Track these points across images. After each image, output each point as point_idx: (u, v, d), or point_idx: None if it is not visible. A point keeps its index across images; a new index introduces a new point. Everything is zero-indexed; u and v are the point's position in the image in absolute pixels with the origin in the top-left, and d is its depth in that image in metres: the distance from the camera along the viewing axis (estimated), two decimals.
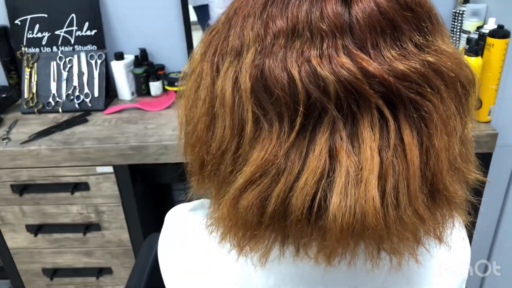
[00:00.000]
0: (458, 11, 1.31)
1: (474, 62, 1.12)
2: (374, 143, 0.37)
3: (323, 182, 0.37)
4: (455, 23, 1.33)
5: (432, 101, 0.38)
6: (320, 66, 0.36)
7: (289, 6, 0.38)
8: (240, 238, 0.42)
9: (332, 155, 0.37)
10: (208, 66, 0.42)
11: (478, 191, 0.46)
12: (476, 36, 1.20)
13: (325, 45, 0.37)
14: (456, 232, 0.51)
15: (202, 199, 0.58)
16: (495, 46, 1.13)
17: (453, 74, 0.39)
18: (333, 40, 0.37)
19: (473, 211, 0.47)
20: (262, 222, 0.39)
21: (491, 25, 1.17)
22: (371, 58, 0.37)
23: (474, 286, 1.60)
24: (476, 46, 1.10)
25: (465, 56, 1.13)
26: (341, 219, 0.36)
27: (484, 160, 1.22)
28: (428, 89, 0.38)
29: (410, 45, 0.38)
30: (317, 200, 0.37)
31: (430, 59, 0.38)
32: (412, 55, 0.38)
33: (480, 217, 1.22)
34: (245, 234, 0.41)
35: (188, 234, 0.54)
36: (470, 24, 1.27)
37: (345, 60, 0.36)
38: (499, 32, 1.12)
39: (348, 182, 0.37)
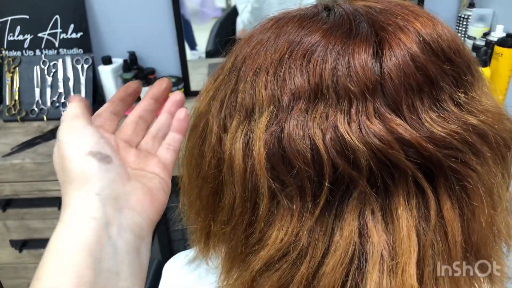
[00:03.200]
0: (463, 16, 1.26)
1: None
2: (411, 221, 0.32)
3: (353, 267, 0.32)
4: (460, 28, 1.28)
5: (477, 170, 0.33)
6: (348, 134, 0.31)
7: (311, 61, 0.32)
8: None
9: (363, 234, 0.32)
10: (214, 122, 0.36)
11: None
12: (482, 43, 1.15)
13: (353, 110, 0.31)
14: None
15: None
16: (504, 55, 1.08)
17: (498, 136, 0.34)
18: (363, 103, 0.31)
19: None
20: None
21: (499, 32, 1.12)
22: (407, 123, 0.31)
23: None
24: (485, 56, 1.05)
25: None
26: None
27: None
28: (473, 157, 0.33)
29: (450, 104, 0.33)
30: None
31: (473, 121, 0.33)
32: (454, 117, 0.32)
33: None
34: None
35: None
36: (475, 30, 1.21)
37: (377, 126, 0.31)
38: (508, 41, 1.07)
39: (383, 270, 0.31)
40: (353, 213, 0.32)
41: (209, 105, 0.37)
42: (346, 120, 0.31)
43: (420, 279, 0.32)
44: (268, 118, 0.32)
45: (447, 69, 0.33)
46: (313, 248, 0.33)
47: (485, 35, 1.17)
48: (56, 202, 1.21)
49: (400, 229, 0.32)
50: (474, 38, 1.21)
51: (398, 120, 0.31)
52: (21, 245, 1.30)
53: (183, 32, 1.41)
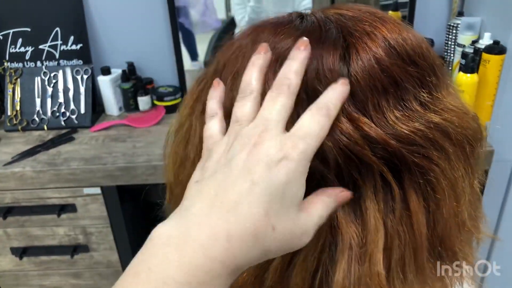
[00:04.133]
0: (452, 24, 1.29)
1: (470, 79, 1.10)
2: (378, 213, 0.34)
3: (324, 256, 0.34)
4: (450, 36, 1.31)
5: (440, 165, 0.35)
6: None
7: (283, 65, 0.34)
8: None
9: (333, 225, 0.34)
10: (197, 124, 0.39)
11: None
12: (471, 51, 1.17)
13: None
14: None
15: None
16: (491, 62, 1.10)
17: (460, 133, 0.36)
18: None
19: None
20: None
21: (486, 40, 1.14)
22: (373, 121, 0.34)
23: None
24: (472, 63, 1.08)
25: (461, 73, 1.11)
26: None
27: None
28: (435, 152, 0.35)
29: (414, 104, 0.35)
30: (318, 277, 0.34)
31: (436, 120, 0.35)
32: (417, 115, 0.35)
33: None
34: None
35: None
36: (464, 38, 1.24)
37: (345, 125, 0.33)
38: (495, 48, 1.10)
39: (352, 257, 0.34)
40: None
41: (193, 108, 0.40)
42: None
43: (388, 267, 0.34)
44: None
45: (412, 71, 0.35)
46: None
47: (474, 42, 1.20)
48: (55, 209, 1.24)
49: (368, 220, 0.34)
50: (464, 46, 1.24)
51: (365, 119, 0.33)
52: (21, 252, 1.32)
53: (180, 43, 1.45)
